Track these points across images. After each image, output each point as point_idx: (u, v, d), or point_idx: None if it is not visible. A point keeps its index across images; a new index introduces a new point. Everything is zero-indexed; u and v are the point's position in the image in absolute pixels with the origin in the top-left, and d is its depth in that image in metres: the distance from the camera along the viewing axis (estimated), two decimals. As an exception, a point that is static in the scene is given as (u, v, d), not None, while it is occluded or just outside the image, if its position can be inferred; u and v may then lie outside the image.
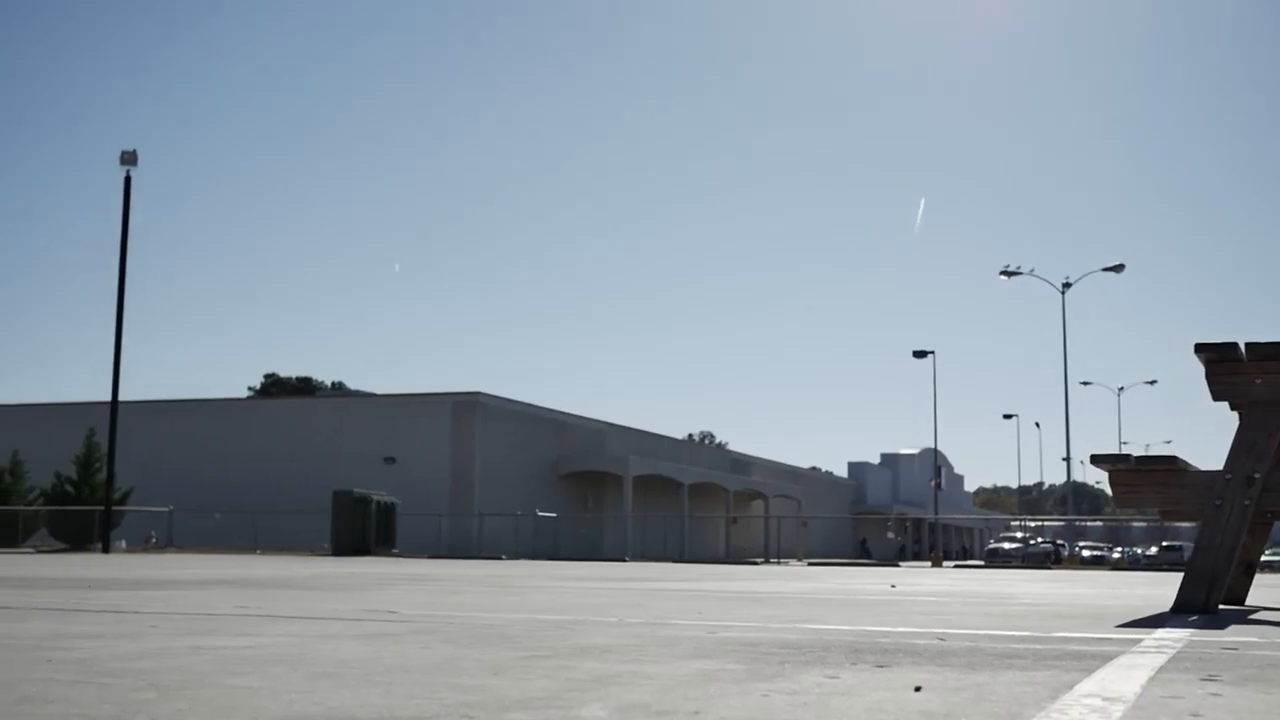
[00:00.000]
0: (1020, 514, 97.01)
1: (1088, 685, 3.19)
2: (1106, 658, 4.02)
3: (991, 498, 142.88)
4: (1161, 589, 11.99)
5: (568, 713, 2.63)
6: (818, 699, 2.88)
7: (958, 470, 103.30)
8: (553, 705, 2.74)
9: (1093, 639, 4.94)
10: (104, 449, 35.36)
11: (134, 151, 31.99)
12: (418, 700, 2.82)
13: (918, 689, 3.07)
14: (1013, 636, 5.00)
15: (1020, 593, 11.15)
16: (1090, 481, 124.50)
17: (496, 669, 3.47)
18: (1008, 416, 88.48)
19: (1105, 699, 2.90)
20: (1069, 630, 5.48)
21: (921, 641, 4.65)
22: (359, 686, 3.06)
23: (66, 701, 2.76)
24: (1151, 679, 3.36)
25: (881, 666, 3.64)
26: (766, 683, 3.19)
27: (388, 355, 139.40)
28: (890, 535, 76.10)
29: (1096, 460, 7.00)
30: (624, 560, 34.75)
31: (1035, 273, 50.04)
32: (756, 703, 2.82)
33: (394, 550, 34.50)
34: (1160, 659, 3.97)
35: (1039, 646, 4.48)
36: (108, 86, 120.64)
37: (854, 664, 3.71)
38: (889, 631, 5.22)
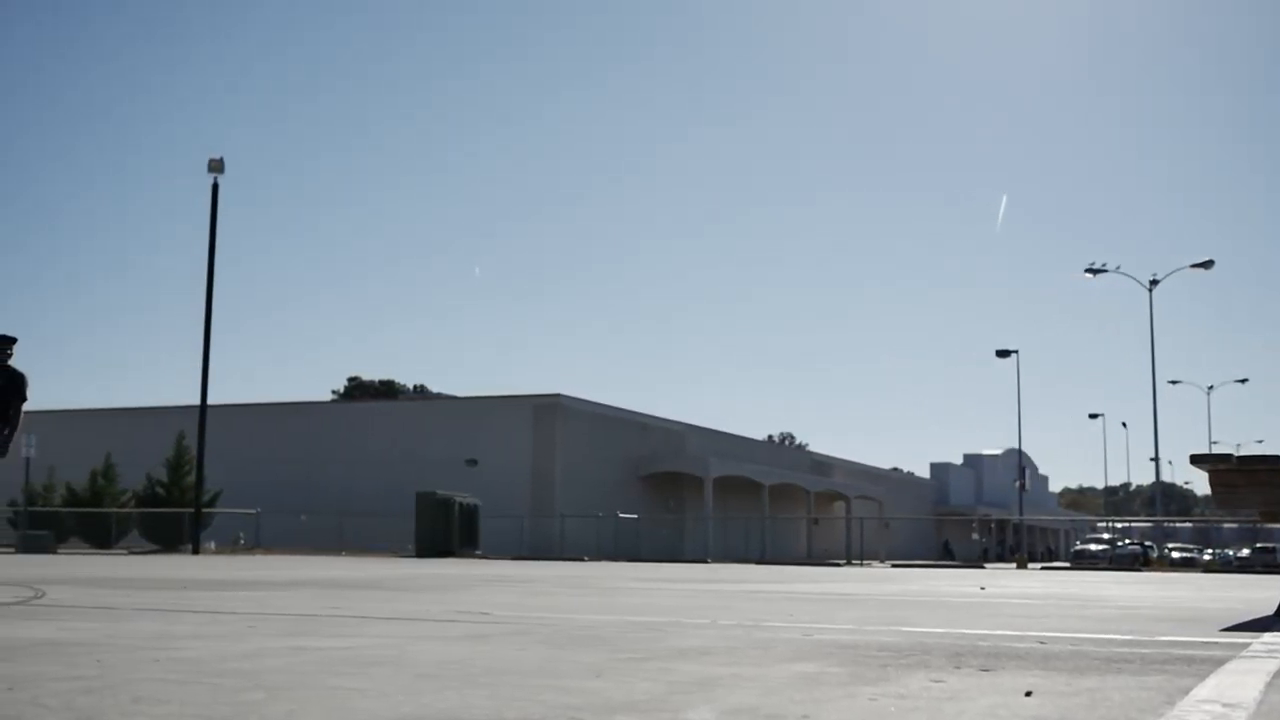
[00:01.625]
0: (1107, 515, 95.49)
1: (1203, 691, 3.11)
2: (1216, 662, 3.92)
3: (1077, 499, 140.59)
4: (1260, 592, 11.72)
5: (675, 716, 2.62)
6: (928, 704, 2.83)
7: (1042, 471, 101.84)
8: (659, 708, 2.73)
9: (1199, 643, 4.83)
10: (193, 451, 35.96)
11: (221, 159, 32.50)
12: (522, 703, 2.82)
13: (1028, 694, 3.01)
14: (1115, 640, 4.90)
15: (1114, 595, 10.95)
16: (1179, 482, 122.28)
17: (597, 671, 3.46)
18: (1093, 416, 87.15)
19: (1225, 705, 2.82)
20: (1172, 634, 5.37)
21: (1022, 645, 4.57)
22: (462, 688, 3.07)
23: (180, 702, 2.79)
24: (1269, 684, 3.27)
25: (986, 670, 3.58)
26: (871, 686, 3.15)
27: (468, 358, 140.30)
28: (974, 536, 75.18)
29: (1197, 460, 6.85)
30: (705, 562, 34.66)
31: (1121, 270, 49.21)
32: (865, 707, 2.79)
33: (477, 551, 34.70)
34: (1273, 664, 3.87)
35: (1144, 650, 4.39)
36: (192, 91, 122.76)
37: (957, 668, 3.65)
38: (987, 634, 5.14)
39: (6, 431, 14.51)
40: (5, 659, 3.67)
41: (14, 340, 15.59)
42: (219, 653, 3.96)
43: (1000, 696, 2.97)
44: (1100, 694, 3.03)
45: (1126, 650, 4.39)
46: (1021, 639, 4.89)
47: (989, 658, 3.99)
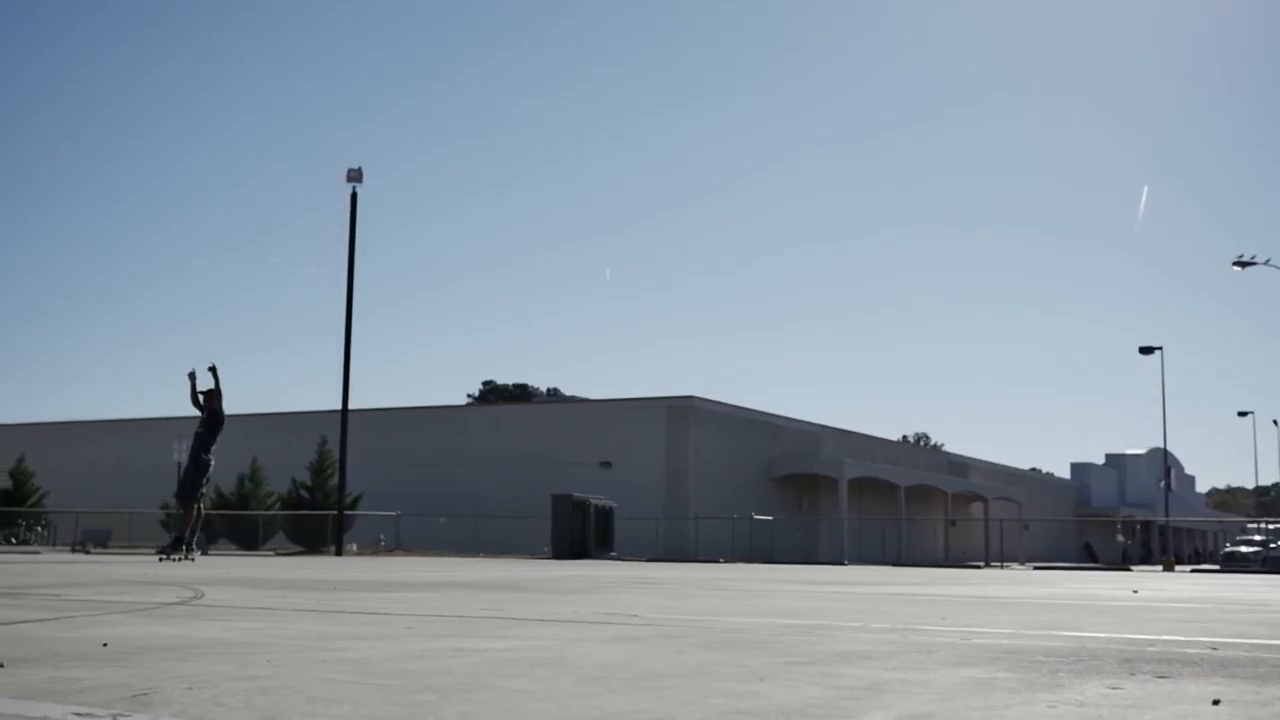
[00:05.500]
0: (1257, 516, 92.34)
1: (1402, 701, 2.96)
2: None
3: (1226, 499, 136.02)
4: None
5: (851, 722, 2.57)
6: (1110, 712, 2.74)
7: (1189, 470, 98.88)
8: (834, 714, 2.68)
9: (1383, 650, 4.62)
10: (335, 455, 36.75)
11: (359, 169, 33.21)
12: (693, 706, 2.80)
13: (1216, 702, 2.90)
14: (1292, 646, 4.71)
15: (1276, 599, 10.56)
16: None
17: (761, 675, 3.42)
18: (1242, 414, 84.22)
19: None
20: (1351, 640, 5.14)
21: (1193, 650, 4.42)
22: (629, 691, 3.06)
23: (355, 703, 2.83)
24: None
25: (1162, 677, 3.46)
26: (1047, 693, 3.06)
27: (601, 361, 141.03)
28: (1120, 538, 73.29)
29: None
30: (842, 564, 34.37)
31: (1271, 262, 47.59)
32: (1044, 714, 2.71)
33: (612, 553, 34.86)
34: None
35: (1327, 658, 4.21)
36: (330, 103, 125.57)
37: (1131, 674, 3.54)
38: (1154, 640, 4.98)
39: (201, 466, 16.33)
40: (180, 658, 3.77)
41: (212, 393, 16.71)
42: (382, 653, 4.01)
43: (1185, 705, 2.86)
44: (1293, 703, 2.90)
45: (1307, 657, 4.21)
46: (1191, 644, 4.72)
47: (1162, 664, 3.86)
